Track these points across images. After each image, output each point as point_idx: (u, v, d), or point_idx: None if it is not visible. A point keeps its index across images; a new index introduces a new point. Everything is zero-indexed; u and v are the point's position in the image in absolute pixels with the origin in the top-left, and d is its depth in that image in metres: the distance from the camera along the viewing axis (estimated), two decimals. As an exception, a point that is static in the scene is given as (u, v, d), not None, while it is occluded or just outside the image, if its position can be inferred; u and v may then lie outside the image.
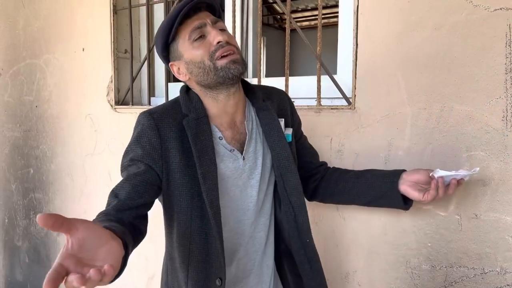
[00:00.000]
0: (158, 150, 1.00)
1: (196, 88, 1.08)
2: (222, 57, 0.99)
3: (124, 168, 1.02)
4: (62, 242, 2.43)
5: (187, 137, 1.01)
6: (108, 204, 0.94)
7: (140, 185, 0.97)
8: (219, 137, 1.06)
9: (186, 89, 1.11)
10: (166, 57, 1.08)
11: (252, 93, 1.15)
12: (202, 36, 1.01)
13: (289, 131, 1.16)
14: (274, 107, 1.15)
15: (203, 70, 1.01)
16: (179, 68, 1.06)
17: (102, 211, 0.91)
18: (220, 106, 1.07)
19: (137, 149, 1.00)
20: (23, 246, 2.73)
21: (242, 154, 1.08)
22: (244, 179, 1.08)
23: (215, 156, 1.03)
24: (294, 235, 1.11)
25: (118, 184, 0.98)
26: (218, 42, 0.99)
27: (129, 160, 1.01)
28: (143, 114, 1.04)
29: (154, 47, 1.06)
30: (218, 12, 1.08)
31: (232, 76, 0.99)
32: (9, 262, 2.86)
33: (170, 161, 1.01)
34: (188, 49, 1.01)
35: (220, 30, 1.02)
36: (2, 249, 2.91)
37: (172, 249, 1.09)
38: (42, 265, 2.62)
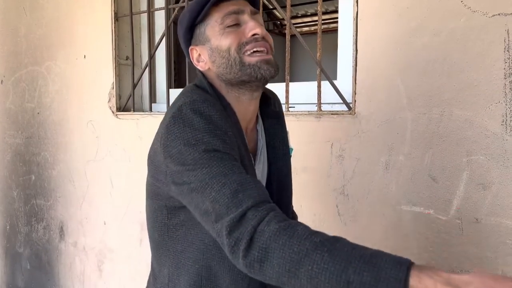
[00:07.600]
0: (234, 143, 0.81)
1: (215, 82, 0.90)
2: (254, 52, 0.84)
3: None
4: (64, 248, 2.44)
5: None
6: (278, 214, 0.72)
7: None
8: None
9: (207, 80, 0.90)
10: (189, 40, 0.92)
11: (264, 96, 0.98)
12: (236, 25, 0.85)
13: (291, 145, 1.05)
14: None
15: (226, 61, 0.85)
16: (199, 55, 0.90)
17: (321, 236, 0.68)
18: (241, 108, 0.89)
19: (216, 141, 0.76)
20: (24, 252, 2.73)
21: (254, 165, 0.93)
22: None
23: (252, 162, 0.87)
24: None
25: (248, 185, 0.73)
26: (254, 35, 0.84)
27: (231, 162, 0.75)
28: (203, 104, 0.79)
29: (178, 27, 0.92)
30: (257, 6, 0.93)
31: (261, 77, 0.84)
32: (11, 269, 2.86)
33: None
34: (217, 34, 0.85)
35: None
36: (3, 256, 2.92)
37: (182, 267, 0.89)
38: (44, 271, 2.62)
